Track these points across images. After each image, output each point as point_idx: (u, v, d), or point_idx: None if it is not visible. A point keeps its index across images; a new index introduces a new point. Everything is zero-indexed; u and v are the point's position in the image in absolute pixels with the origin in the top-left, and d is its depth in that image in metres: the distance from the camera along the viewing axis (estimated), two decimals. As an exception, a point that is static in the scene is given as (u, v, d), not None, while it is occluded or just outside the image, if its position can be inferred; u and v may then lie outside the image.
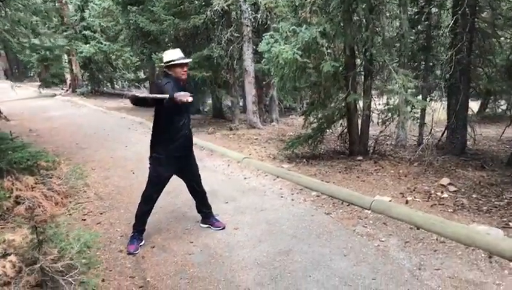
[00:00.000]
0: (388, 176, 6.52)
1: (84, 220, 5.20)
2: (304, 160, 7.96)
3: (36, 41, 12.22)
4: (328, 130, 8.31)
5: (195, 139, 9.69)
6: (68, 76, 25.56)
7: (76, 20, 22.25)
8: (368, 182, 6.28)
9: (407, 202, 5.31)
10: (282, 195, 5.86)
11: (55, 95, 23.99)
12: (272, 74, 7.42)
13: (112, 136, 11.28)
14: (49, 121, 14.50)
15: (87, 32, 19.11)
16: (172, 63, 4.11)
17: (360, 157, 7.63)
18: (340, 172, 6.92)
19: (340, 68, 7.26)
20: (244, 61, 11.42)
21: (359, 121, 7.85)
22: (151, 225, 4.85)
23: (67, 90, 26.08)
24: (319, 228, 4.60)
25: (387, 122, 7.91)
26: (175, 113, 4.11)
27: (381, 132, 8.24)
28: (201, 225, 4.79)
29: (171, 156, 4.24)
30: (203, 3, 11.64)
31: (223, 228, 4.67)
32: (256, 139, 10.64)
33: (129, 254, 4.16)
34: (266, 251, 4.11)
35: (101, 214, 5.37)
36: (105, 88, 28.44)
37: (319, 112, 7.68)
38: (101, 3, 16.66)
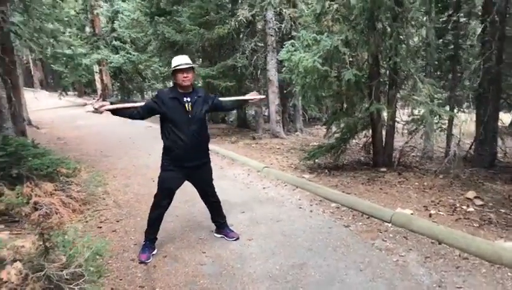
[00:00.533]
0: (412, 189, 6.31)
1: (100, 227, 5.19)
2: (326, 170, 7.80)
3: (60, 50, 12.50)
4: (351, 140, 8.14)
5: (217, 148, 9.77)
6: (99, 86, 26.13)
7: (107, 31, 22.78)
8: (390, 194, 6.09)
9: (430, 215, 5.10)
10: (301, 206, 5.74)
11: (85, 104, 24.49)
12: (293, 82, 7.32)
13: (137, 144, 11.37)
14: (76, 130, 14.79)
15: (116, 43, 19.50)
16: (174, 69, 4.07)
17: (384, 169, 7.43)
18: (362, 183, 6.74)
19: (364, 77, 7.11)
20: (268, 71, 11.37)
21: (384, 132, 7.67)
22: (165, 234, 4.82)
23: (98, 100, 26.63)
24: (336, 241, 4.45)
25: (413, 133, 7.69)
26: (171, 123, 4.07)
27: (406, 142, 8.01)
28: (216, 234, 4.71)
29: (175, 163, 4.18)
30: (229, 14, 11.69)
31: (237, 239, 4.57)
32: (278, 148, 10.55)
33: (141, 262, 4.11)
34: (279, 263, 3.99)
35: (118, 221, 5.36)
36: (135, 98, 28.95)
37: (341, 122, 7.53)
38: (130, 14, 16.95)
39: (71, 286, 3.17)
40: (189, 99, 4.12)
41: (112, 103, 4.05)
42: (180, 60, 4.12)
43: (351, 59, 6.41)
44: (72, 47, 21.71)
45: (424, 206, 5.47)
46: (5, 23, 5.47)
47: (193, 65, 4.19)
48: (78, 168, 6.58)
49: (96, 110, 3.89)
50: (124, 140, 12.05)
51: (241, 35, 11.97)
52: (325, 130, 11.78)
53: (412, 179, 6.82)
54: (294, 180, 6.78)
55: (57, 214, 5.21)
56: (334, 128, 8.02)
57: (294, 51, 6.32)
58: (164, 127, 4.16)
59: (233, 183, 7.04)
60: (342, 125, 7.56)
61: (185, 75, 4.08)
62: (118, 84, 24.62)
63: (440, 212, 5.19)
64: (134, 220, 5.35)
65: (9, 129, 7.10)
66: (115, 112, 4.00)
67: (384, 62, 6.96)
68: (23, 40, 5.51)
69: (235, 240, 4.56)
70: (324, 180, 7.06)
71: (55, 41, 6.47)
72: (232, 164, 8.58)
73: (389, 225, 4.79)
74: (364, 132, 8.23)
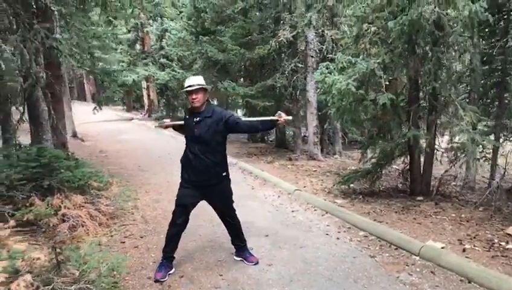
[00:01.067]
0: (448, 220, 5.99)
1: (123, 242, 5.21)
2: (361, 196, 7.57)
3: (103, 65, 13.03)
4: (388, 166, 7.88)
5: (250, 168, 9.70)
6: (146, 101, 26.84)
7: (156, 48, 23.46)
8: (424, 225, 5.80)
9: (464, 250, 4.80)
10: (328, 232, 5.55)
11: (132, 119, 25.18)
12: (329, 104, 7.19)
13: (175, 160, 11.41)
14: (120, 143, 15.15)
15: (163, 60, 20.00)
16: (186, 90, 4.09)
17: (420, 198, 7.12)
18: (396, 212, 6.47)
19: (402, 101, 6.91)
20: (308, 92, 11.27)
21: (422, 159, 7.38)
22: (185, 253, 4.78)
23: (144, 115, 27.36)
24: (358, 272, 4.25)
25: (454, 162, 7.36)
26: (187, 142, 4.24)
27: (446, 171, 7.66)
28: (235, 257, 4.61)
29: (189, 181, 4.22)
30: (270, 34, 11.74)
31: (256, 263, 4.46)
32: (314, 171, 10.37)
33: (156, 281, 4.07)
34: (297, 292, 3.85)
35: (141, 237, 5.37)
36: (179, 114, 29.52)
37: (377, 147, 7.30)
38: (177, 33, 17.37)
39: (80, 302, 3.16)
40: (197, 119, 4.14)
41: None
42: (191, 81, 4.13)
43: (387, 83, 6.22)
44: (122, 64, 22.52)
45: (458, 240, 5.16)
46: (47, 39, 5.65)
47: (201, 86, 4.12)
48: (110, 182, 6.69)
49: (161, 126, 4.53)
50: (163, 156, 12.22)
51: (282, 56, 11.96)
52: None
53: (449, 210, 6.49)
54: (325, 205, 6.60)
55: (83, 226, 5.29)
56: (370, 153, 7.79)
57: (329, 73, 6.21)
58: (185, 144, 4.31)
59: (262, 204, 6.94)
60: (378, 150, 7.33)
61: (194, 96, 4.09)
62: (164, 100, 25.17)
63: (475, 248, 4.88)
64: (158, 237, 5.34)
65: (48, 141, 7.34)
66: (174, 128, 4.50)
67: (424, 87, 6.72)
68: (63, 55, 5.68)
69: (254, 264, 4.44)
70: (357, 207, 6.84)
71: (92, 57, 6.67)
72: (264, 184, 8.49)
73: (417, 258, 4.54)
74: (403, 158, 7.95)
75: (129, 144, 15.05)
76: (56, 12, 5.27)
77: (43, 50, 5.74)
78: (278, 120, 4.11)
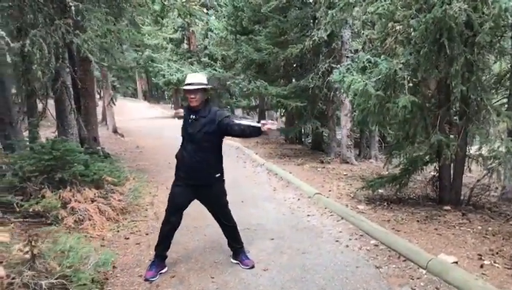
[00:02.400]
0: (472, 233, 5.58)
1: (127, 238, 5.22)
2: (386, 203, 7.24)
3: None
4: (416, 173, 7.48)
5: (277, 169, 9.53)
6: (191, 99, 27.18)
7: (201, 48, 23.73)
8: (444, 236, 5.43)
9: (482, 266, 4.43)
10: (338, 239, 5.31)
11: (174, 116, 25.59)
12: (354, 106, 6.92)
13: (204, 159, 11.50)
14: (158, 140, 15.39)
15: (205, 60, 20.18)
16: (184, 88, 3.97)
17: (447, 207, 6.70)
18: (418, 221, 6.12)
19: (431, 105, 6.53)
20: (342, 93, 10.95)
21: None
22: (184, 252, 4.74)
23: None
24: (357, 283, 4.01)
25: (488, 171, 6.88)
26: (182, 139, 4.14)
27: (478, 180, 7.18)
28: (232, 260, 4.49)
29: (181, 179, 4.15)
30: (306, 34, 11.51)
31: (252, 267, 4.31)
32: (345, 175, 10.06)
33: (145, 280, 4.01)
34: (284, 300, 3.67)
35: (147, 234, 5.36)
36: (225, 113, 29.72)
37: (402, 152, 6.93)
38: (219, 32, 17.46)
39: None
40: (193, 117, 4.05)
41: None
42: (191, 79, 4.02)
43: (410, 84, 5.88)
44: (169, 62, 22.92)
45: (478, 255, 4.78)
46: (68, 34, 5.75)
47: (199, 87, 4.00)
48: (127, 178, 6.74)
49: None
50: (195, 154, 12.27)
51: (319, 56, 11.71)
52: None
53: (476, 221, 6.06)
54: (342, 211, 6.34)
55: (89, 220, 5.33)
56: (396, 159, 7.42)
57: (346, 72, 5.96)
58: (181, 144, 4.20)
59: (278, 207, 6.78)
60: (405, 155, 6.96)
61: (192, 96, 3.99)
62: (208, 98, 25.41)
63: (496, 264, 4.49)
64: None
65: (73, 135, 7.52)
66: None
67: (453, 90, 6.32)
68: (82, 51, 5.77)
69: (249, 268, 4.30)
70: (378, 214, 6.54)
71: (108, 54, 6.75)
72: (287, 186, 8.31)
73: (424, 271, 4.23)
74: (434, 165, 7.53)
75: (166, 140, 15.19)
76: (73, 8, 5.32)
77: (63, 45, 5.84)
78: (263, 127, 3.92)
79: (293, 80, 11.79)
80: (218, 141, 4.13)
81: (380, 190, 7.79)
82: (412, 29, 5.88)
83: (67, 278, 3.27)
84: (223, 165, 4.32)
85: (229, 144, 14.24)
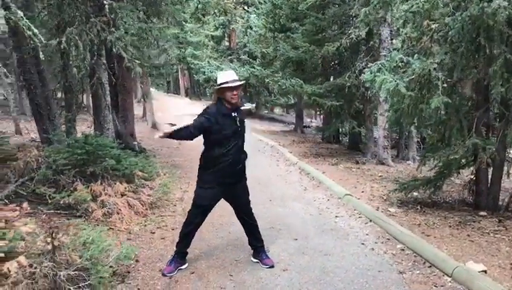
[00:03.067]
0: (507, 240, 5.34)
1: (153, 233, 5.31)
2: (419, 206, 7.04)
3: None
4: (451, 177, 7.24)
5: (310, 169, 9.45)
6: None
7: (241, 45, 23.85)
8: (477, 243, 5.23)
9: (513, 276, 4.25)
10: (364, 242, 5.21)
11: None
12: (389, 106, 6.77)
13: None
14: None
15: (243, 57, 20.26)
16: (223, 86, 3.95)
17: (484, 213, 6.44)
18: (450, 226, 5.92)
19: (468, 106, 6.30)
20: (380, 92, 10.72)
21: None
22: (206, 249, 4.80)
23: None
24: (376, 288, 3.92)
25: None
26: (217, 139, 3.99)
27: (518, 186, 6.88)
28: (252, 258, 4.49)
29: (216, 180, 4.09)
30: (345, 31, 11.34)
31: (271, 267, 4.30)
32: (380, 176, 9.85)
33: (163, 275, 4.08)
34: (300, 302, 3.64)
35: (172, 229, 5.43)
36: (265, 111, 29.77)
37: (436, 155, 6.70)
38: (258, 30, 17.48)
39: (72, 287, 3.23)
40: (234, 114, 4.06)
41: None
42: (228, 77, 4.03)
43: (445, 85, 5.67)
44: (210, 59, 23.16)
45: (511, 264, 4.58)
46: (103, 32, 5.91)
47: (242, 82, 4.10)
48: (158, 173, 6.86)
49: (162, 137, 3.93)
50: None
51: (355, 54, 11.52)
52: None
53: (513, 229, 5.80)
54: (370, 213, 6.22)
55: (118, 214, 5.46)
56: (431, 161, 7.19)
57: (378, 72, 5.82)
58: (211, 143, 4.09)
59: (306, 207, 6.71)
60: (438, 159, 6.74)
61: (235, 92, 4.00)
62: (248, 96, 25.50)
63: (529, 275, 4.29)
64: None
65: (109, 130, 7.73)
66: (172, 136, 3.95)
67: (492, 91, 6.06)
68: (115, 48, 5.92)
69: (268, 267, 4.29)
70: (409, 217, 6.37)
71: (138, 51, 6.88)
72: (318, 186, 8.22)
73: (449, 279, 4.09)
74: (471, 168, 7.26)
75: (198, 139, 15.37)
76: (107, 6, 5.46)
77: (98, 43, 6.00)
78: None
79: (331, 79, 11.65)
80: None
81: (415, 193, 7.59)
82: (448, 28, 5.68)
83: (86, 271, 3.36)
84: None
85: (267, 142, 14.26)
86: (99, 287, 3.36)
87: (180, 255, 4.25)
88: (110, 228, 5.22)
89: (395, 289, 3.92)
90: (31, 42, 4.34)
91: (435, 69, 5.70)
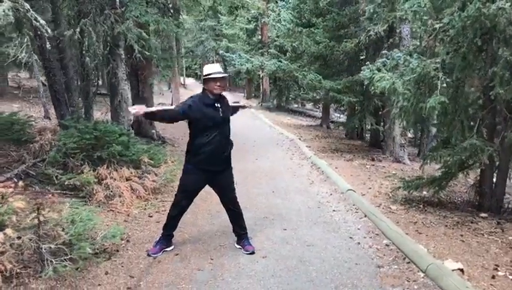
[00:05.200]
0: (499, 243, 5.33)
1: (151, 216, 5.60)
2: (422, 205, 7.06)
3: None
4: (456, 177, 7.19)
5: (320, 163, 9.53)
6: (262, 90, 27.59)
7: (272, 39, 23.94)
8: (467, 243, 5.25)
9: (493, 277, 4.28)
10: (353, 236, 5.33)
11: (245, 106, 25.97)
12: (392, 104, 6.81)
13: (256, 148, 11.78)
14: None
15: (272, 51, 20.36)
16: (207, 77, 4.18)
17: (485, 215, 6.41)
18: (446, 226, 5.94)
19: (469, 107, 6.27)
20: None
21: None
22: (196, 234, 5.05)
23: (258, 103, 28.16)
24: (348, 279, 4.06)
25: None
26: (199, 128, 4.20)
27: (523, 189, 6.79)
28: (236, 245, 4.70)
29: (196, 167, 4.31)
30: (362, 28, 11.31)
31: (252, 253, 4.50)
32: (394, 174, 9.83)
33: (148, 255, 4.34)
34: (269, 288, 3.82)
35: (170, 214, 5.69)
36: (295, 105, 29.80)
37: (437, 155, 6.68)
38: (286, 24, 17.52)
39: (54, 259, 3.53)
40: (218, 105, 4.27)
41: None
42: (213, 69, 4.24)
43: (444, 85, 5.68)
44: (240, 52, 23.36)
45: (495, 265, 4.59)
46: (117, 23, 6.21)
47: (224, 75, 4.29)
48: (165, 160, 7.15)
49: (134, 114, 4.22)
50: (248, 143, 12.57)
51: (377, 50, 11.46)
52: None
53: (510, 232, 5.76)
54: (366, 209, 6.30)
55: (120, 197, 5.77)
56: (434, 161, 7.17)
57: (377, 70, 5.88)
58: (195, 132, 4.30)
59: (307, 200, 6.85)
60: (439, 159, 6.72)
61: (218, 84, 4.21)
62: (277, 90, 25.65)
63: (510, 276, 4.32)
64: (184, 216, 5.55)
65: (125, 118, 8.07)
66: (147, 115, 4.26)
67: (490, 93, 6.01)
68: (128, 40, 6.23)
69: (249, 254, 4.50)
70: (408, 215, 6.42)
71: (146, 42, 7.12)
72: (325, 181, 8.32)
73: (422, 275, 4.18)
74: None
75: (226, 129, 15.65)
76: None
77: (111, 34, 6.31)
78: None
79: (348, 74, 11.64)
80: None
81: (424, 192, 7.60)
82: (450, 27, 5.68)
83: (70, 246, 3.66)
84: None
85: (287, 136, 14.38)
86: (80, 262, 3.64)
87: (166, 238, 4.51)
88: (111, 210, 5.55)
89: (367, 281, 4.04)
90: (39, 33, 4.67)
91: (436, 69, 5.72)
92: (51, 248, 3.46)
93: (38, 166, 5.92)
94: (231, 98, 4.80)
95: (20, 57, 10.19)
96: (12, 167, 6.02)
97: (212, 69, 4.26)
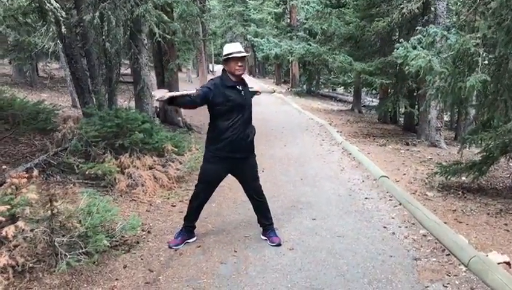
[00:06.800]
0: (548, 232, 4.91)
1: (174, 206, 5.41)
2: (460, 191, 6.64)
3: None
4: (498, 161, 6.74)
5: (352, 148, 9.16)
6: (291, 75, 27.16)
7: (301, 22, 23.41)
8: (512, 233, 4.86)
9: (542, 270, 3.90)
10: (387, 225, 4.99)
11: (274, 91, 25.65)
12: (428, 84, 6.39)
13: (284, 134, 11.48)
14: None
15: (300, 34, 19.89)
16: (227, 57, 3.90)
17: (531, 201, 5.97)
18: (488, 214, 5.53)
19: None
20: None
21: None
22: (220, 224, 4.85)
23: (287, 89, 27.75)
24: (382, 273, 3.75)
25: None
26: (220, 114, 3.94)
27: None
28: (261, 236, 4.44)
29: (217, 156, 4.03)
30: (399, 5, 10.76)
31: (278, 245, 4.23)
32: (429, 159, 9.37)
33: (169, 247, 4.14)
34: (296, 282, 3.56)
35: (193, 204, 5.49)
36: (325, 90, 29.24)
37: (478, 137, 6.23)
38: (314, 5, 17.02)
39: (68, 253, 3.36)
40: (240, 87, 4.02)
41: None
42: (233, 48, 3.96)
43: (485, 62, 5.23)
44: (268, 37, 22.98)
45: (545, 257, 4.21)
46: (137, 7, 6.01)
47: (246, 54, 4.01)
48: (190, 147, 6.95)
49: (158, 100, 3.91)
50: (277, 129, 12.28)
51: (411, 29, 10.92)
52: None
53: (559, 220, 5.32)
54: (401, 196, 5.93)
55: (142, 186, 5.60)
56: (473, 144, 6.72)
57: (412, 48, 5.46)
58: (217, 117, 4.02)
59: (337, 187, 6.53)
60: (480, 143, 6.28)
61: (239, 64, 3.93)
62: (307, 75, 25.16)
63: None
64: (209, 206, 5.35)
65: (148, 105, 7.91)
66: (171, 102, 3.86)
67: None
68: (148, 24, 6.03)
69: (275, 245, 4.23)
70: (446, 202, 6.04)
71: (165, 25, 6.83)
72: (357, 167, 7.95)
73: (464, 269, 3.82)
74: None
75: (255, 115, 15.33)
76: (137, -19, 5.54)
77: (130, 18, 6.11)
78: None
79: (380, 56, 11.15)
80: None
81: (463, 177, 7.17)
82: (492, -1, 5.22)
83: (86, 238, 3.48)
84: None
85: (318, 122, 13.99)
86: (96, 255, 3.47)
87: (188, 229, 4.29)
88: (133, 200, 5.38)
89: (403, 275, 3.73)
90: (53, 16, 4.49)
91: (476, 44, 5.27)
92: (64, 241, 3.29)
93: (60, 155, 5.79)
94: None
95: (46, 46, 10.19)
96: (36, 157, 5.93)
97: (233, 48, 3.95)
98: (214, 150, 4.07)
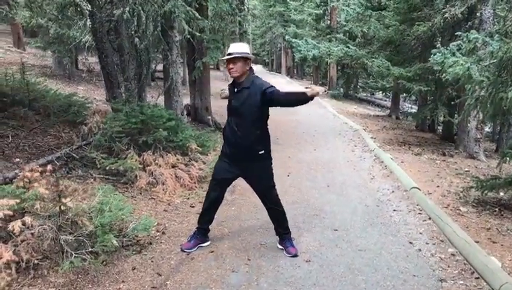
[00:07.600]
0: None
1: (193, 207, 5.31)
2: (497, 208, 6.25)
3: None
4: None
5: (385, 156, 8.82)
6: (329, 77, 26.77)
7: (341, 24, 23.02)
8: (552, 258, 4.48)
9: None
10: (413, 241, 4.71)
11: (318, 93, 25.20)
12: (468, 94, 6.04)
13: (316, 138, 11.22)
14: (277, 116, 15.33)
15: (339, 36, 19.51)
16: (222, 58, 3.84)
17: None
18: (526, 235, 5.16)
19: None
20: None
21: None
22: (237, 229, 4.71)
23: (324, 91, 27.34)
24: (402, 294, 3.50)
25: None
26: (227, 113, 4.00)
27: None
28: (278, 245, 4.26)
29: (226, 154, 4.02)
30: (443, 8, 10.32)
31: (294, 256, 4.04)
32: (466, 171, 8.91)
33: (182, 250, 4.02)
34: (309, 298, 3.36)
35: (214, 206, 5.36)
36: (363, 94, 28.69)
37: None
38: (355, 8, 16.67)
39: (75, 252, 3.29)
40: (236, 89, 3.90)
41: None
42: (231, 49, 3.82)
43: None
44: (307, 38, 22.72)
45: None
46: (167, 2, 5.94)
47: (240, 55, 3.77)
48: (215, 147, 6.84)
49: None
50: (309, 132, 12.03)
51: (453, 36, 10.46)
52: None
53: None
54: (431, 210, 5.61)
55: (163, 184, 5.52)
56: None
57: (451, 54, 5.14)
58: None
59: (365, 197, 6.25)
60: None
61: (231, 66, 3.80)
62: (344, 78, 24.71)
63: None
64: (227, 208, 5.27)
65: (178, 102, 7.85)
66: None
67: None
68: (178, 20, 5.94)
69: (291, 256, 4.04)
70: (481, 219, 5.68)
71: (194, 22, 6.73)
72: (388, 176, 7.63)
73: (493, 296, 3.53)
74: None
75: (289, 116, 15.10)
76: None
77: (160, 14, 6.03)
78: (309, 93, 3.59)
79: (421, 61, 10.71)
80: (262, 114, 3.90)
81: (501, 193, 6.77)
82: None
83: (94, 237, 3.40)
84: (270, 141, 4.07)
85: (352, 126, 13.64)
86: (103, 255, 3.38)
87: (201, 232, 4.16)
88: (152, 198, 5.30)
89: (425, 298, 3.47)
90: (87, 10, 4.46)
91: (521, 52, 4.91)
92: (70, 239, 3.21)
93: (84, 149, 5.79)
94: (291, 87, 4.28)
95: (83, 40, 10.32)
96: (61, 149, 5.95)
97: (231, 49, 3.83)
98: (223, 148, 4.11)
